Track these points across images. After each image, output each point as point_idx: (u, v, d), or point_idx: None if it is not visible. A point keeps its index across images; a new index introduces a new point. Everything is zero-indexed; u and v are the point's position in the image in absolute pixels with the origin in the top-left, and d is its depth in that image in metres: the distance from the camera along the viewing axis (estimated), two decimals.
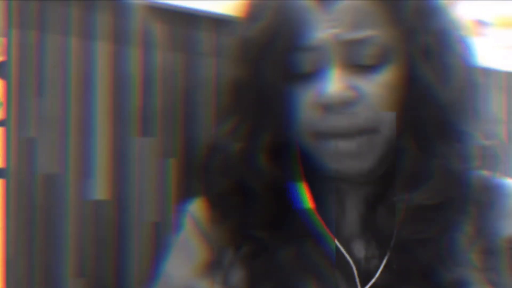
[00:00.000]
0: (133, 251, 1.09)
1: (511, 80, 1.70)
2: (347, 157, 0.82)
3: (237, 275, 0.86)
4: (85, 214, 1.04)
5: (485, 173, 0.85)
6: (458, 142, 0.82)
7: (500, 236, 0.83)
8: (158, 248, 1.04)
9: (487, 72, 0.94)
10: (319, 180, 0.86)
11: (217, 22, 1.17)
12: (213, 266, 0.88)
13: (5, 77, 0.96)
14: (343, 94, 0.79)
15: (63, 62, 1.02)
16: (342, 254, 0.85)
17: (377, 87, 0.80)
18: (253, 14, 0.83)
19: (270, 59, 0.80)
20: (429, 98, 0.81)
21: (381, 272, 0.83)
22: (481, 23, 1.63)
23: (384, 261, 0.83)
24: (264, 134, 0.84)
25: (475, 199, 0.83)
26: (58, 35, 1.01)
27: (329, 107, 0.79)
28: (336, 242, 0.85)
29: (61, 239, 1.02)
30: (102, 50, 1.06)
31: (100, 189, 1.06)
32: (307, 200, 0.85)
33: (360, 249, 0.85)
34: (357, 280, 0.84)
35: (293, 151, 0.86)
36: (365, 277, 0.83)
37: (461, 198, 0.82)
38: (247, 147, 0.85)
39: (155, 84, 1.12)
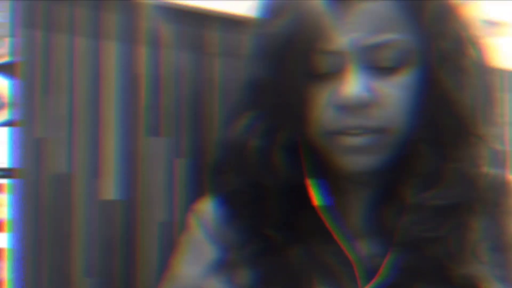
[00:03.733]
0: (144, 251, 1.09)
1: None
2: (356, 152, 0.82)
3: (248, 274, 0.86)
4: (96, 214, 1.04)
5: (495, 172, 0.85)
6: (473, 146, 0.82)
7: (509, 233, 0.84)
8: (169, 248, 1.03)
9: (503, 73, 0.94)
10: (328, 179, 0.86)
11: (226, 21, 1.17)
12: (223, 266, 0.88)
13: (15, 77, 0.97)
14: (361, 96, 0.79)
15: (73, 62, 1.02)
16: (351, 252, 0.85)
17: (395, 89, 0.80)
18: (275, 13, 0.83)
19: (291, 59, 0.81)
20: (446, 103, 0.81)
21: (390, 270, 0.82)
22: (497, 24, 1.63)
23: (392, 259, 0.82)
24: (281, 132, 0.84)
25: (486, 199, 0.83)
26: (68, 35, 1.02)
27: (345, 108, 0.80)
28: (345, 240, 0.85)
29: (71, 239, 1.02)
30: (112, 50, 1.06)
31: (111, 189, 1.06)
32: (321, 198, 0.85)
33: (367, 247, 0.85)
34: (366, 278, 0.84)
35: (307, 150, 0.86)
36: (373, 275, 0.83)
37: (472, 198, 0.82)
38: (263, 145, 0.85)
39: (165, 84, 1.12)
